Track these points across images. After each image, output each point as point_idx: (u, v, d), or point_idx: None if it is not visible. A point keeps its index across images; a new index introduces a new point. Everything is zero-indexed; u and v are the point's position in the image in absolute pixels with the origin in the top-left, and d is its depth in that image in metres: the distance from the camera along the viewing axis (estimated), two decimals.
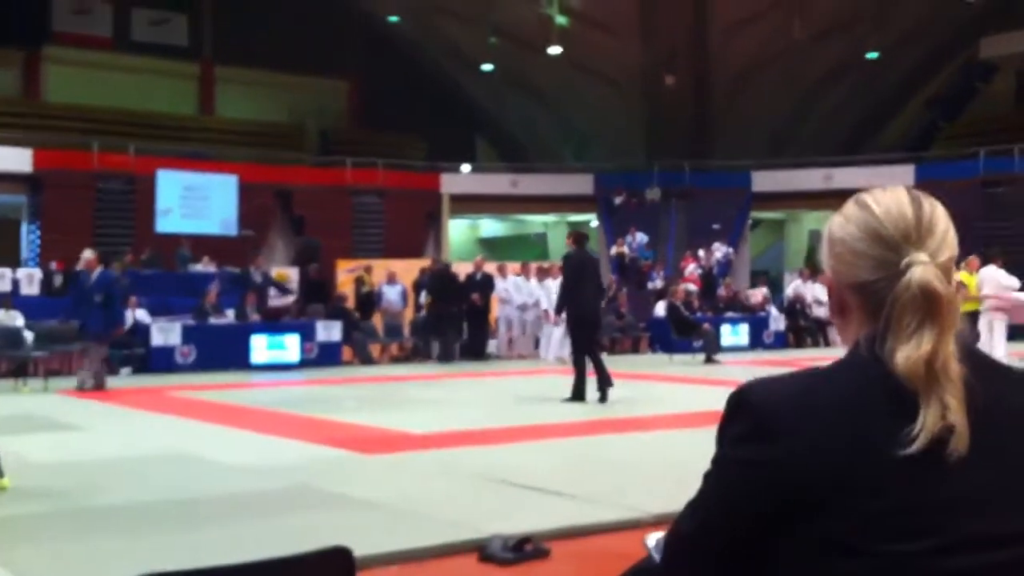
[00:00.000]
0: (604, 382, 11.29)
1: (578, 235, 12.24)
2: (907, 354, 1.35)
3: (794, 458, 1.34)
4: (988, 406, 1.35)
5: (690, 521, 1.47)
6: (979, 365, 1.40)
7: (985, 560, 1.33)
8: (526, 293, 19.64)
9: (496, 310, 19.91)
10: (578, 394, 11.38)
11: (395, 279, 20.17)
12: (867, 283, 1.42)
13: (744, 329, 21.78)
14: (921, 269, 1.38)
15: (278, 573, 1.67)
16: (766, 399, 1.39)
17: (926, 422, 1.32)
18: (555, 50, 32.65)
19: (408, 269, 20.89)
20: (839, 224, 1.48)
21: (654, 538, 1.83)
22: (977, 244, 19.09)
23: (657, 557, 1.77)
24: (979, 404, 1.34)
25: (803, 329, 23.15)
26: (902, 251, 1.40)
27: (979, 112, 34.43)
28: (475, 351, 19.14)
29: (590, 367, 11.41)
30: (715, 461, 1.44)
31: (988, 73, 34.91)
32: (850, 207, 1.49)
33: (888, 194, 1.48)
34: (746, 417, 1.39)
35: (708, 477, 1.45)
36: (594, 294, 12.01)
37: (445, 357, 18.74)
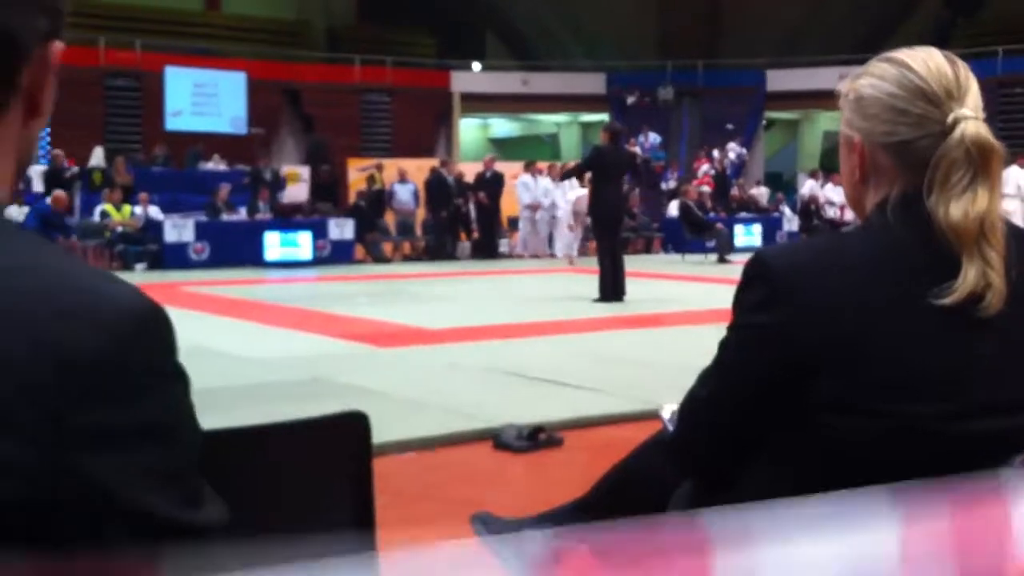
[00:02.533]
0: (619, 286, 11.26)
1: (615, 130, 11.88)
2: (963, 209, 1.33)
3: (810, 322, 1.33)
4: (1020, 272, 1.35)
5: (705, 387, 1.49)
6: (1015, 231, 1.40)
7: (996, 425, 1.34)
8: (540, 193, 19.54)
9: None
10: (607, 292, 11.22)
11: (406, 178, 20.09)
12: (907, 141, 1.40)
13: (757, 229, 21.71)
14: (974, 124, 1.37)
15: (293, 434, 1.65)
16: (784, 264, 1.38)
17: (968, 276, 1.32)
18: None
19: (420, 168, 20.78)
20: (871, 83, 1.45)
21: (669, 410, 1.84)
22: None
23: (671, 427, 1.78)
24: (1013, 268, 1.34)
25: (816, 230, 23.06)
26: (945, 107, 1.38)
27: (996, 11, 33.76)
28: (487, 249, 19.16)
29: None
30: (731, 327, 1.45)
31: None
32: (882, 66, 1.46)
33: (921, 52, 1.46)
34: (762, 283, 1.38)
35: (724, 344, 1.46)
36: (619, 192, 11.81)
37: (452, 255, 18.79)
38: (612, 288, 11.21)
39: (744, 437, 1.45)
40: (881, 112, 1.42)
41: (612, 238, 11.44)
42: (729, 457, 1.48)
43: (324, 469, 1.66)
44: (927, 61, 1.42)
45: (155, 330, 0.87)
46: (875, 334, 1.33)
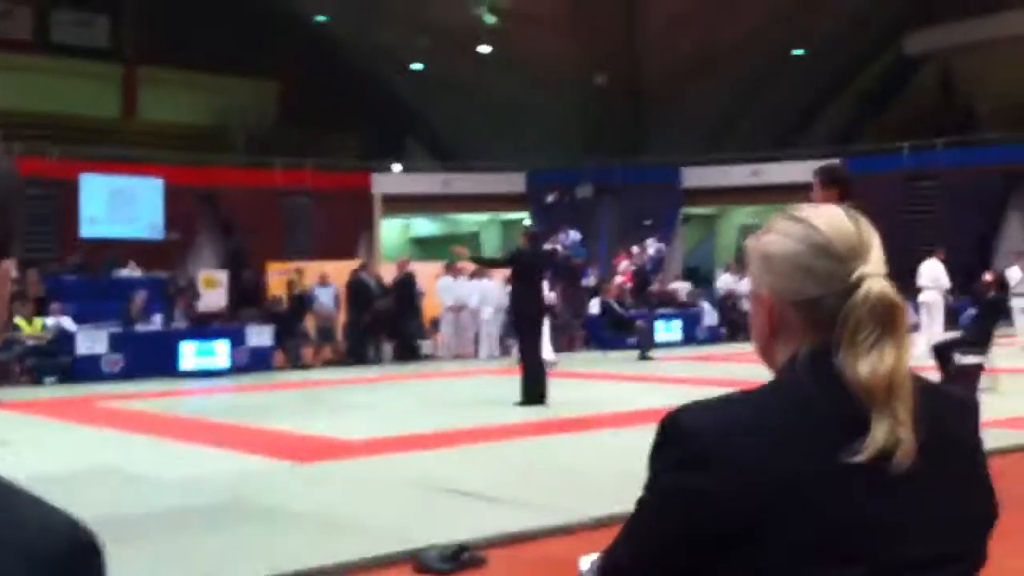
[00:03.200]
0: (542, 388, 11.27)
1: (535, 234, 12.32)
2: (872, 367, 1.33)
3: (726, 486, 1.31)
4: (930, 427, 1.34)
5: (623, 549, 1.43)
6: (924, 386, 1.40)
7: None
8: (464, 293, 19.53)
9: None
10: (530, 395, 11.19)
11: (327, 281, 19.97)
12: (814, 298, 1.40)
13: (677, 325, 21.91)
14: (878, 282, 1.37)
15: None
16: (698, 425, 1.35)
17: (876, 435, 1.31)
18: (485, 49, 32.59)
19: (341, 270, 20.66)
20: (776, 240, 1.46)
21: (588, 561, 1.79)
22: (901, 237, 19.44)
23: None
24: (922, 424, 1.33)
25: (736, 323, 23.35)
26: (850, 265, 1.39)
27: (904, 107, 35.11)
28: (410, 352, 19.04)
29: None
30: (647, 488, 1.41)
31: (913, 69, 35.61)
32: (787, 224, 1.46)
33: (825, 210, 1.47)
34: (677, 444, 1.36)
35: (641, 504, 1.42)
36: (539, 293, 11.94)
37: (377, 359, 18.64)
38: (536, 391, 11.18)
39: None
40: (788, 270, 1.43)
41: (534, 338, 11.49)
42: None
43: None
44: (831, 219, 1.43)
45: (82, 560, 0.86)
46: (794, 496, 1.30)
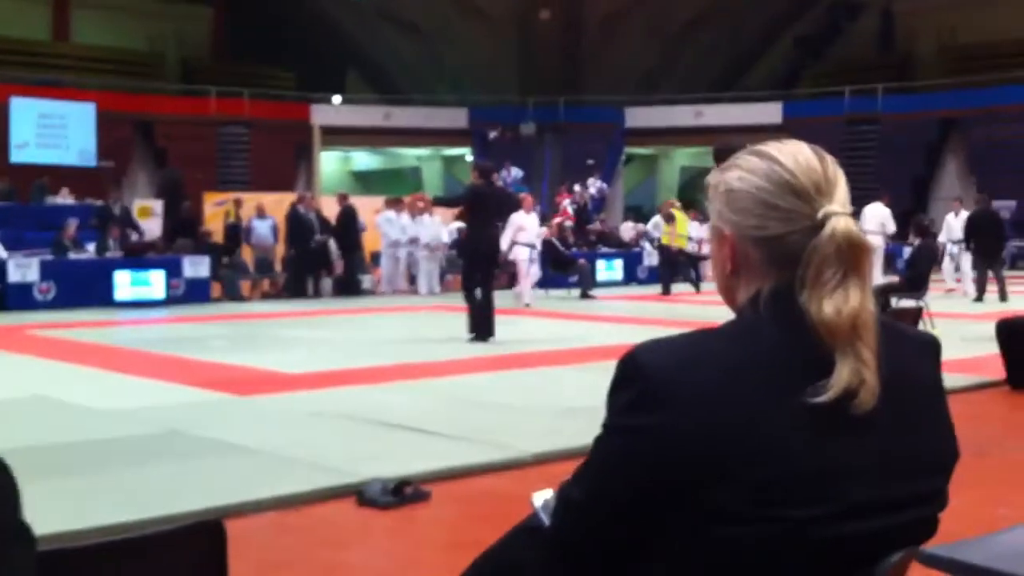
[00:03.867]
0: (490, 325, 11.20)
1: (484, 167, 11.82)
2: (836, 307, 1.31)
3: (683, 426, 1.29)
4: (891, 367, 1.33)
5: (579, 488, 1.41)
6: (885, 325, 1.39)
7: (874, 525, 1.33)
8: (399, 229, 19.37)
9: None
10: (480, 330, 11.12)
11: (264, 213, 19.69)
12: (777, 236, 1.37)
13: (619, 264, 22.00)
14: (844, 220, 1.35)
15: (148, 548, 1.53)
16: (656, 364, 1.33)
17: (841, 375, 1.29)
18: None
19: (279, 202, 20.37)
20: (738, 177, 1.43)
21: (541, 497, 1.77)
22: None
23: (544, 517, 1.72)
24: (884, 364, 1.32)
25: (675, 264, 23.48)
26: (815, 203, 1.36)
27: (844, 52, 35.29)
28: (350, 287, 18.90)
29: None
30: (604, 427, 1.39)
31: (853, 13, 35.75)
32: (751, 159, 1.44)
33: (789, 146, 1.44)
34: (634, 383, 1.33)
35: (598, 443, 1.40)
36: (494, 231, 11.77)
37: (316, 293, 18.48)
38: (486, 326, 11.12)
39: (623, 543, 1.40)
40: (751, 206, 1.40)
41: (488, 276, 11.37)
42: (606, 562, 1.42)
43: None
44: (796, 156, 1.41)
45: None
46: (753, 436, 1.29)
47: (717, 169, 1.50)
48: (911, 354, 1.42)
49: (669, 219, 19.21)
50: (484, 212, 11.29)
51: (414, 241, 19.23)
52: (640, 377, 1.32)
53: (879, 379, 1.31)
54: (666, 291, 18.26)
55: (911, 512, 1.36)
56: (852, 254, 1.33)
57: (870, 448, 1.33)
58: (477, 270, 11.42)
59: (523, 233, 16.01)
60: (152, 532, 1.58)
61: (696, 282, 19.21)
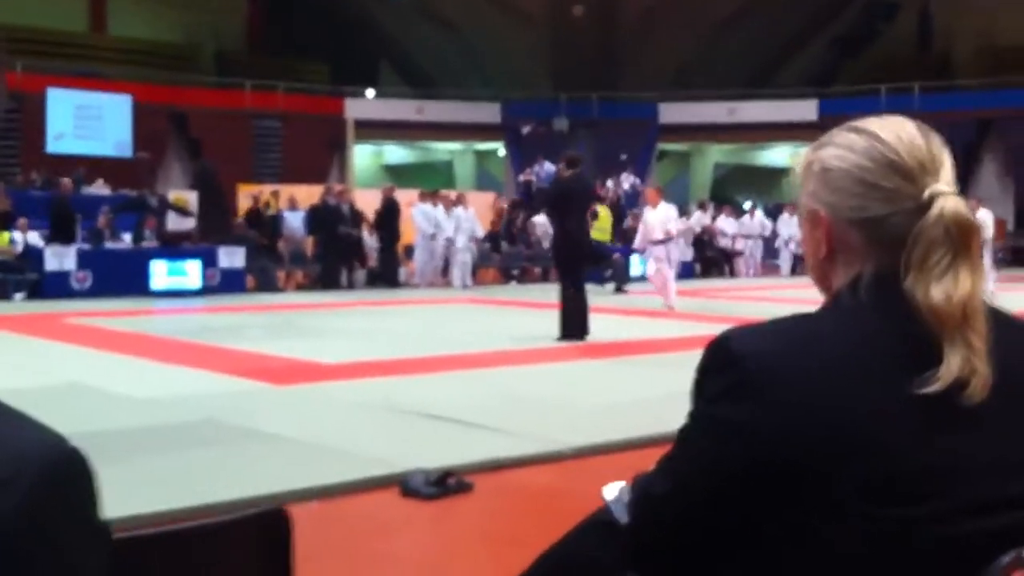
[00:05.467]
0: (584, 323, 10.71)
1: (573, 157, 11.00)
2: (945, 292, 1.23)
3: (780, 418, 1.21)
4: (1002, 359, 1.25)
5: (664, 482, 1.33)
6: (995, 314, 1.30)
7: (984, 524, 1.24)
8: (433, 222, 19.38)
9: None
10: (571, 330, 10.62)
11: (296, 205, 19.76)
12: (879, 217, 1.30)
13: None
14: (952, 200, 1.27)
15: (211, 535, 1.50)
16: (750, 351, 1.25)
17: (951, 364, 1.21)
18: None
19: (312, 195, 20.46)
20: (835, 155, 1.35)
21: (613, 490, 1.69)
22: None
23: (616, 511, 1.65)
24: (994, 355, 1.24)
25: (710, 260, 23.41)
26: (920, 182, 1.29)
27: (881, 51, 34.99)
28: (386, 279, 18.92)
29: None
30: (692, 417, 1.31)
31: (890, 13, 35.43)
32: (849, 136, 1.35)
33: (890, 122, 1.35)
34: (728, 370, 1.25)
35: (684, 434, 1.32)
36: (584, 225, 11.15)
37: (349, 285, 18.52)
38: (578, 326, 10.67)
39: (709, 541, 1.31)
40: (850, 186, 1.32)
41: (579, 273, 10.85)
42: (691, 561, 1.34)
43: (241, 571, 1.55)
44: (899, 132, 1.33)
45: (67, 484, 0.70)
46: (855, 429, 1.21)
47: (810, 147, 1.42)
48: (1022, 343, 1.33)
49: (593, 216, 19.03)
50: (570, 205, 10.68)
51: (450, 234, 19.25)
52: (733, 365, 1.25)
53: (990, 369, 1.23)
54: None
55: (1019, 514, 1.27)
56: (961, 236, 1.26)
57: (981, 442, 1.25)
58: (564, 266, 10.97)
59: (653, 231, 14.88)
60: (222, 519, 1.53)
61: (606, 281, 18.45)
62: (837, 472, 1.20)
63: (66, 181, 18.81)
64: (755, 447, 1.22)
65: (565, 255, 10.82)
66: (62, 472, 0.71)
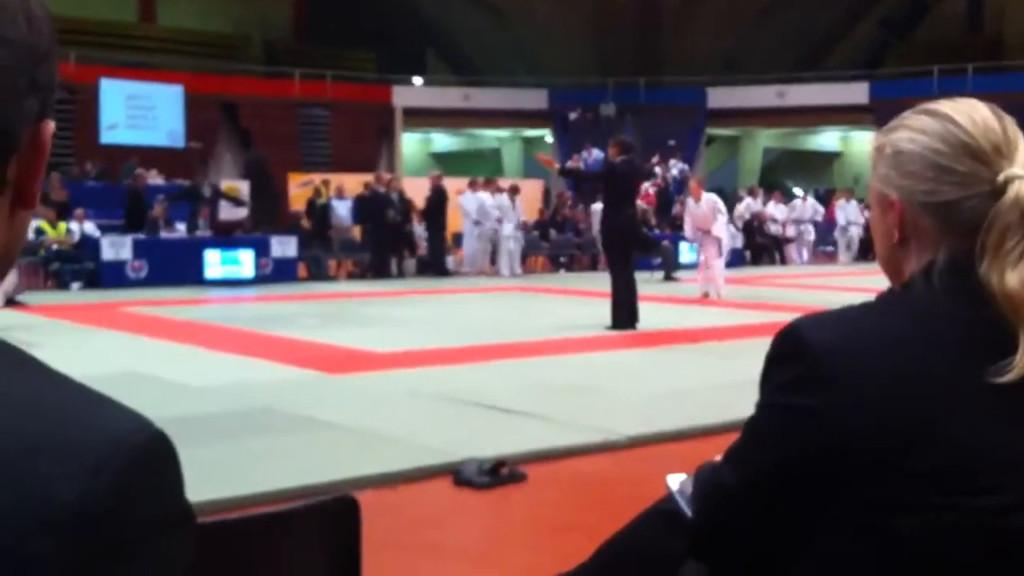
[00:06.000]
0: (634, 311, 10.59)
1: (624, 142, 10.81)
2: (1021, 278, 1.21)
3: (852, 408, 1.21)
4: None
5: (733, 473, 1.33)
6: None
7: None
8: (482, 209, 19.42)
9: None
10: (621, 318, 10.45)
11: (343, 194, 19.88)
12: (952, 201, 1.28)
13: None
14: None
15: (281, 523, 1.54)
16: (821, 340, 1.24)
17: None
18: None
19: (361, 183, 20.59)
20: (910, 137, 1.33)
21: (677, 480, 1.70)
22: None
23: (681, 500, 1.65)
24: None
25: (760, 246, 23.24)
26: (995, 165, 1.27)
27: (931, 33, 34.43)
28: (434, 267, 19.00)
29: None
30: (761, 407, 1.31)
31: None
32: (922, 119, 1.34)
33: (964, 104, 1.34)
34: (797, 360, 1.25)
35: (753, 424, 1.32)
36: (634, 211, 11.07)
37: (399, 273, 18.61)
38: (628, 314, 10.57)
39: (778, 531, 1.31)
40: (923, 169, 1.31)
41: (627, 260, 10.69)
42: (758, 552, 1.34)
43: (312, 557, 1.59)
44: (972, 115, 1.32)
45: (156, 466, 0.72)
46: (927, 418, 1.20)
47: (881, 131, 1.41)
48: None
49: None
50: (620, 190, 10.51)
51: (496, 221, 19.26)
52: (803, 353, 1.24)
53: None
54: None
55: None
56: None
57: None
58: (611, 253, 10.84)
59: (698, 222, 14.94)
60: (292, 507, 1.57)
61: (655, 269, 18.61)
62: (908, 462, 1.19)
63: (140, 172, 19.13)
64: (826, 436, 1.21)
65: (614, 242, 10.72)
66: (151, 454, 0.71)
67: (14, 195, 0.79)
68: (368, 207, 18.77)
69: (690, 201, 15.30)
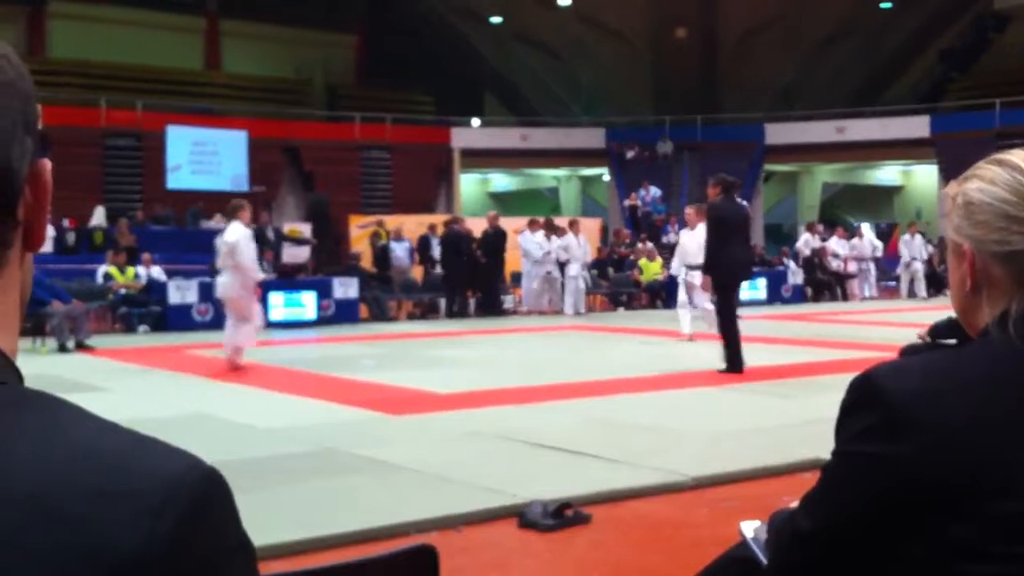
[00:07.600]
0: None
1: (725, 181, 10.58)
2: None
3: (927, 456, 1.22)
4: None
5: (808, 520, 1.34)
6: None
7: None
8: (542, 249, 19.45)
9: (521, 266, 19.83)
10: (735, 362, 10.23)
11: (401, 235, 20.04)
12: (1021, 252, 1.29)
13: (762, 283, 21.63)
14: None
15: (370, 572, 1.56)
16: (897, 389, 1.26)
17: None
18: (564, 2, 32.24)
19: (420, 224, 20.75)
20: (979, 188, 1.35)
21: (752, 527, 1.71)
22: None
23: (755, 547, 1.66)
24: None
25: (821, 283, 23.01)
26: None
27: (991, 64, 34.01)
28: (491, 307, 19.05)
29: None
30: (838, 455, 1.32)
31: (1001, 24, 34.41)
32: (992, 169, 1.35)
33: None
34: (872, 408, 1.26)
35: (830, 471, 1.33)
36: (743, 249, 10.78)
37: (460, 313, 18.68)
38: (736, 358, 10.31)
39: None
40: (992, 219, 1.32)
41: (726, 300, 10.50)
42: None
43: None
44: None
45: (213, 502, 0.73)
46: (1001, 470, 1.21)
47: (955, 180, 1.42)
48: None
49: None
50: (721, 230, 10.36)
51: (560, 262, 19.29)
52: (879, 402, 1.26)
53: None
54: None
55: None
56: None
57: None
58: (722, 294, 10.58)
59: (688, 255, 13.78)
60: (373, 557, 1.59)
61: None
62: (980, 509, 1.20)
63: (264, 215, 19.41)
64: (900, 485, 1.23)
65: (722, 282, 10.44)
66: (207, 491, 0.72)
67: (23, 236, 0.82)
68: (450, 247, 18.84)
69: (684, 231, 14.21)
